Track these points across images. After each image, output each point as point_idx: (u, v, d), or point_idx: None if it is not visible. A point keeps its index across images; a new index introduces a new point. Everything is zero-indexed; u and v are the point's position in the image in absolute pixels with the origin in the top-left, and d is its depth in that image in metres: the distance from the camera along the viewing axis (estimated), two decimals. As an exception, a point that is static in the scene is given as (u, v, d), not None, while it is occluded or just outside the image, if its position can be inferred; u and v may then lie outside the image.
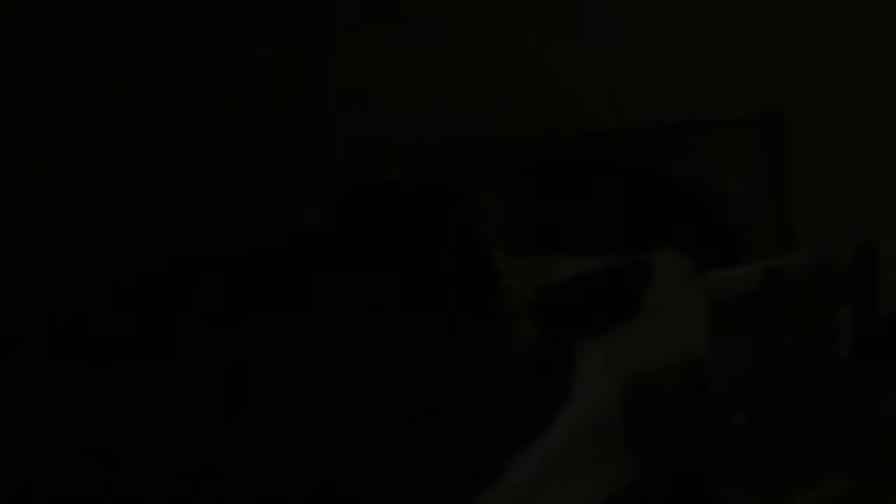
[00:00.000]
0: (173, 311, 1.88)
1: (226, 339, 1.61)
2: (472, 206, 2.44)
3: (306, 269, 2.03)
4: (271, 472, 1.14)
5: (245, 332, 1.64)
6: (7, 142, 3.17)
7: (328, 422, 1.25)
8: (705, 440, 1.47)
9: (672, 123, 2.42)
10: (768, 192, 2.23)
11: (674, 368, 1.67)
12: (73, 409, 1.31)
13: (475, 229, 2.06)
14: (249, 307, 1.84)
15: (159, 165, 3.63)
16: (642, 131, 2.51)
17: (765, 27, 2.23)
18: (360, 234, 2.37)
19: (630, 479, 1.66)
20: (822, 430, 1.45)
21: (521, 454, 1.42)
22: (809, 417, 1.48)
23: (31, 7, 3.21)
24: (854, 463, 1.35)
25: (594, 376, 1.63)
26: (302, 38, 3.73)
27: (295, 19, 3.73)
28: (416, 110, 3.28)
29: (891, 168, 2.03)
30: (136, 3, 3.53)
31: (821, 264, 1.57)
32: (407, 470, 1.24)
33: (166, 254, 3.49)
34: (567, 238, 2.40)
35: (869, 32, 2.04)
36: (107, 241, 3.43)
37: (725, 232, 2.31)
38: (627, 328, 1.85)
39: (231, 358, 1.50)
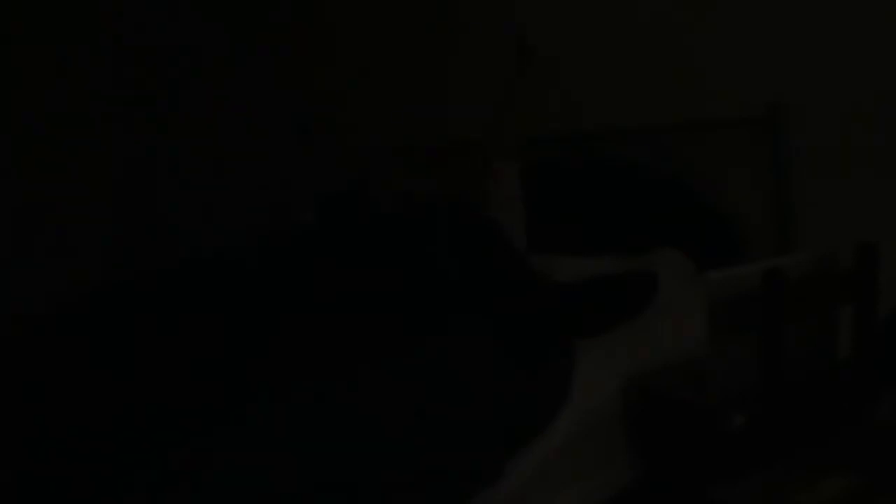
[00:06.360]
0: (171, 312, 1.87)
1: (224, 340, 1.61)
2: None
3: (302, 270, 2.03)
4: (267, 473, 1.14)
5: (243, 333, 1.64)
6: (7, 142, 3.17)
7: (327, 423, 1.24)
8: (705, 440, 1.47)
9: (672, 123, 2.42)
10: (768, 192, 2.23)
11: (674, 368, 1.67)
12: (71, 411, 1.31)
13: (496, 224, 2.04)
14: (247, 308, 1.84)
15: (158, 166, 3.63)
16: (642, 131, 2.50)
17: (765, 27, 2.23)
18: (356, 233, 2.37)
19: (630, 479, 1.66)
20: (822, 430, 1.45)
21: (521, 454, 1.42)
22: (809, 417, 1.48)
23: (32, 8, 3.21)
24: (854, 463, 1.35)
25: (594, 376, 1.63)
26: (301, 39, 3.72)
27: (294, 19, 3.73)
28: (416, 110, 3.28)
29: (891, 168, 2.03)
30: (136, 4, 3.53)
31: (821, 264, 1.57)
32: (406, 470, 1.24)
33: (165, 255, 3.49)
34: (568, 238, 2.39)
35: (869, 32, 2.04)
36: (106, 242, 3.43)
37: (725, 232, 2.31)
38: (627, 328, 1.85)
39: (229, 359, 1.50)
